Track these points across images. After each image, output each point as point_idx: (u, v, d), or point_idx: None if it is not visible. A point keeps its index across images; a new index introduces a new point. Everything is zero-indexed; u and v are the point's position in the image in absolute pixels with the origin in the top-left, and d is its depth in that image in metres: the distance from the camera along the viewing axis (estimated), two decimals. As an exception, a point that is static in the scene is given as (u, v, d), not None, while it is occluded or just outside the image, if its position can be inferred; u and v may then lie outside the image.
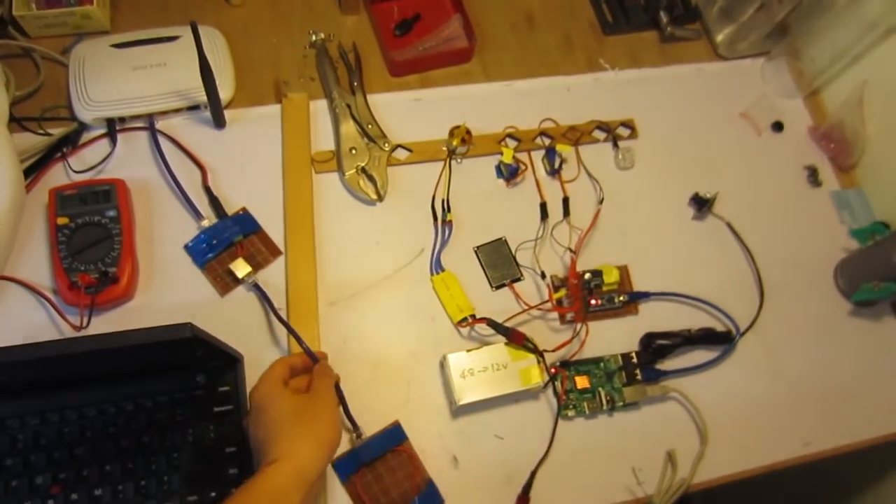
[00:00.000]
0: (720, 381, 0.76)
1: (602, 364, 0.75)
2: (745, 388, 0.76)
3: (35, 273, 0.69)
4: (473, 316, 0.74)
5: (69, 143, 0.74)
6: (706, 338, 0.77)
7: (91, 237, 0.68)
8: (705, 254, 0.82)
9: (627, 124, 0.86)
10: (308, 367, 0.66)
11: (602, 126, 0.85)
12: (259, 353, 0.70)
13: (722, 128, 0.89)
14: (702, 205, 0.82)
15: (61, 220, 0.68)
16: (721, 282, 0.80)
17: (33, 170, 0.72)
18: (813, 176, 0.87)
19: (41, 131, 0.73)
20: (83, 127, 0.75)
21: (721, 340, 0.77)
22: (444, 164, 0.80)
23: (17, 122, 0.72)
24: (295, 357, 0.65)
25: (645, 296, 0.78)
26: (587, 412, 0.73)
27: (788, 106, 0.91)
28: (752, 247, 0.82)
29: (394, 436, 0.69)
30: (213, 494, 0.63)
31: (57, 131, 0.74)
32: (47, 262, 0.70)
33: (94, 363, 0.60)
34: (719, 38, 0.92)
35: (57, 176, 0.73)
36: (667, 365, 0.76)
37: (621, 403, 0.73)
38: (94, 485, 0.62)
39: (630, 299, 0.78)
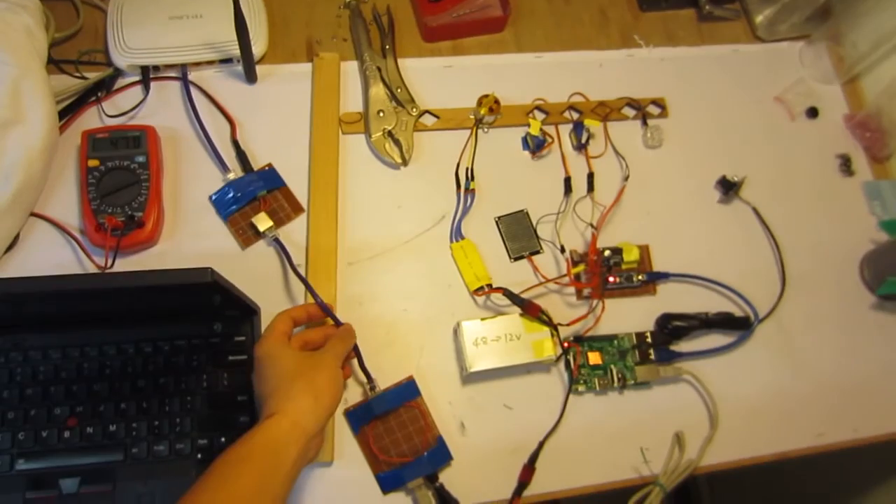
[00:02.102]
0: (735, 367, 0.76)
1: (616, 342, 0.75)
2: (760, 375, 0.76)
3: (64, 212, 0.71)
4: (490, 285, 0.74)
5: (103, 87, 0.75)
6: (723, 322, 0.76)
7: (120, 181, 0.69)
8: (728, 238, 0.81)
9: (658, 103, 0.85)
10: (314, 318, 0.67)
11: (632, 103, 0.84)
12: (276, 307, 0.70)
13: (755, 111, 0.87)
14: (728, 188, 0.81)
15: (92, 163, 0.69)
16: (743, 267, 0.79)
17: (67, 112, 0.73)
18: (845, 165, 0.85)
19: (77, 74, 0.75)
20: (118, 73, 0.76)
21: (738, 326, 0.76)
22: (471, 133, 0.80)
23: (54, 64, 0.74)
24: (296, 309, 0.65)
25: (664, 276, 0.78)
26: (598, 388, 0.73)
27: (825, 92, 0.89)
28: (777, 233, 0.81)
29: (407, 390, 0.70)
30: (224, 440, 0.65)
31: (92, 75, 0.75)
32: (76, 202, 0.71)
33: (116, 302, 0.62)
34: (759, 18, 0.90)
35: (90, 119, 0.75)
36: (681, 347, 0.75)
37: (633, 382, 0.73)
38: (110, 421, 0.64)
39: (649, 279, 0.77)
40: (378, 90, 0.80)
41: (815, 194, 0.84)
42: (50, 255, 0.69)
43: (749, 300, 0.77)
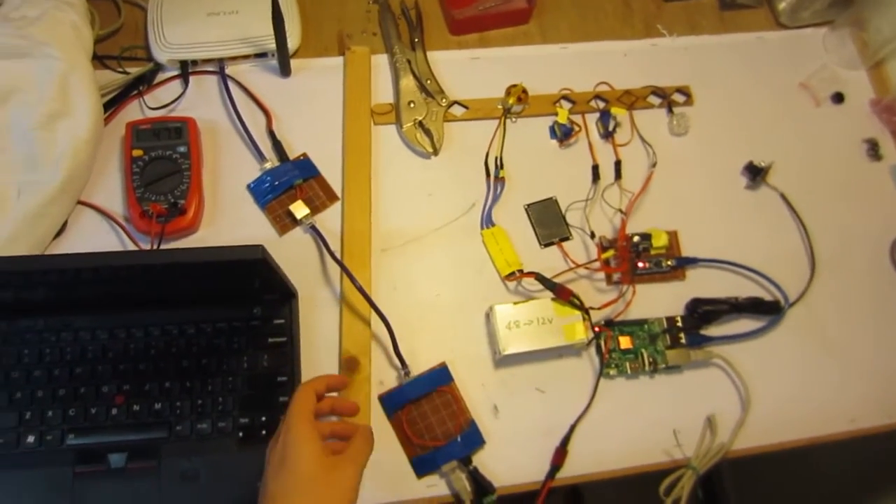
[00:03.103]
0: (766, 351, 0.76)
1: (646, 326, 0.75)
2: (791, 359, 0.76)
3: (109, 201, 0.74)
4: (521, 271, 0.75)
5: (145, 81, 0.78)
6: (753, 306, 0.76)
7: (163, 170, 0.72)
8: (756, 223, 0.81)
9: (683, 91, 0.86)
10: (333, 388, 0.62)
11: (657, 91, 0.85)
12: (312, 292, 0.73)
13: (780, 97, 0.88)
14: (755, 174, 0.82)
15: (136, 153, 0.72)
16: (771, 253, 0.79)
17: (111, 105, 0.76)
18: (873, 149, 0.85)
19: (120, 69, 0.78)
20: (158, 67, 0.79)
21: (769, 310, 0.77)
22: (499, 122, 0.82)
23: (98, 60, 0.76)
24: (317, 381, 0.60)
25: (693, 261, 0.78)
26: (629, 372, 0.73)
27: (850, 77, 0.89)
28: (805, 219, 0.81)
29: (440, 375, 0.71)
30: (264, 419, 0.67)
31: (134, 70, 0.78)
32: (120, 191, 0.74)
33: (163, 283, 0.64)
34: (781, 5, 0.91)
35: (132, 112, 0.78)
36: (712, 331, 0.76)
37: (664, 366, 0.73)
38: (155, 399, 0.66)
39: (678, 264, 0.78)
40: (408, 82, 0.81)
41: (842, 179, 0.84)
42: (96, 242, 0.72)
43: (779, 284, 0.77)
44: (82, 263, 0.54)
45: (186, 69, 0.79)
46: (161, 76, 0.79)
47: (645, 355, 0.74)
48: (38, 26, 0.69)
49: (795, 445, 0.74)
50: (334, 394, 0.64)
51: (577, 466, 0.70)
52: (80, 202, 0.73)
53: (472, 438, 0.69)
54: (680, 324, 0.75)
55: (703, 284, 0.78)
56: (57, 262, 0.55)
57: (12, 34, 0.67)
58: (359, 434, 0.58)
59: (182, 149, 0.73)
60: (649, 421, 0.72)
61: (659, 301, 0.77)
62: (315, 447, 0.53)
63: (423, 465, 0.68)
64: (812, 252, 0.80)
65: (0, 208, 0.65)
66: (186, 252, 0.55)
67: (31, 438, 0.64)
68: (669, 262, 0.78)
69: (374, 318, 0.71)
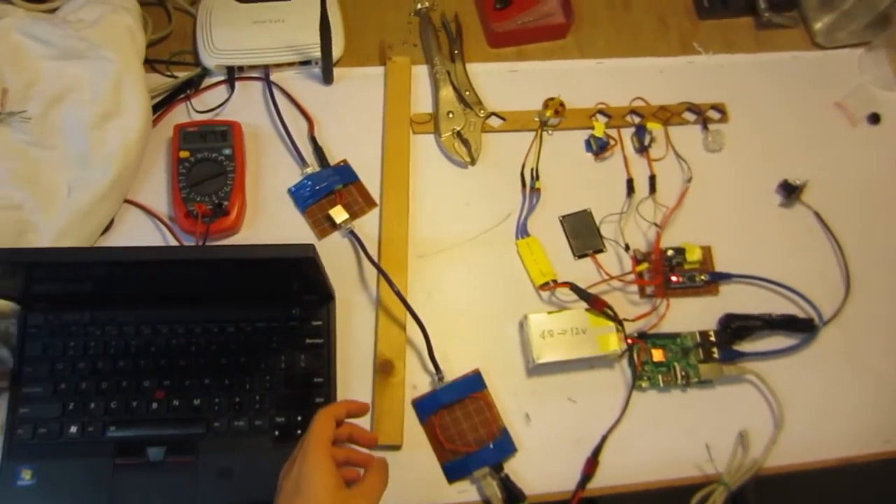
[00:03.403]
0: (799, 369, 0.75)
1: (679, 339, 0.75)
2: (825, 378, 0.76)
3: (154, 200, 0.75)
4: (555, 281, 0.76)
5: (192, 86, 0.80)
6: (787, 324, 0.76)
7: (208, 171, 0.73)
8: (790, 241, 0.81)
9: (718, 108, 0.87)
10: (353, 414, 0.61)
11: (692, 108, 0.86)
12: (349, 295, 0.74)
13: (815, 117, 0.88)
14: (790, 192, 0.82)
15: (183, 154, 0.74)
16: (805, 271, 0.79)
17: (158, 107, 0.78)
18: (910, 170, 0.86)
19: (168, 73, 0.80)
20: (206, 72, 0.81)
21: (802, 328, 0.76)
22: (536, 134, 0.83)
23: (148, 64, 0.78)
24: (337, 407, 0.60)
25: (726, 277, 0.78)
26: (661, 385, 0.74)
27: (887, 98, 0.90)
28: (840, 238, 0.81)
29: (473, 382, 0.71)
30: (299, 418, 0.68)
31: (182, 74, 0.80)
32: (165, 191, 0.76)
33: (207, 280, 0.65)
34: (817, 26, 0.91)
35: (179, 115, 0.80)
36: (744, 347, 0.75)
37: (696, 380, 0.73)
38: (194, 395, 0.67)
39: (711, 279, 0.78)
40: (447, 92, 0.83)
41: (879, 199, 0.84)
42: (141, 239, 0.73)
43: (813, 302, 0.77)
44: (143, 257, 0.55)
45: (233, 75, 0.81)
46: (208, 81, 0.82)
47: (677, 369, 0.74)
48: (96, 29, 0.71)
49: (828, 465, 0.73)
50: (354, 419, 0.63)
51: (608, 477, 0.70)
52: (126, 201, 0.74)
53: (504, 445, 0.69)
54: (713, 338, 0.75)
55: (736, 300, 0.78)
56: (113, 255, 0.56)
57: (70, 36, 0.70)
58: (373, 469, 0.58)
59: (227, 151, 0.74)
60: (681, 434, 0.72)
61: (692, 315, 0.77)
62: (330, 479, 0.52)
63: (454, 470, 0.69)
64: (847, 271, 0.80)
65: (52, 204, 0.67)
66: (238, 249, 0.57)
67: (73, 429, 0.65)
68: (703, 277, 0.78)
69: (409, 323, 0.72)
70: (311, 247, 0.54)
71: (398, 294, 0.70)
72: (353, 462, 0.59)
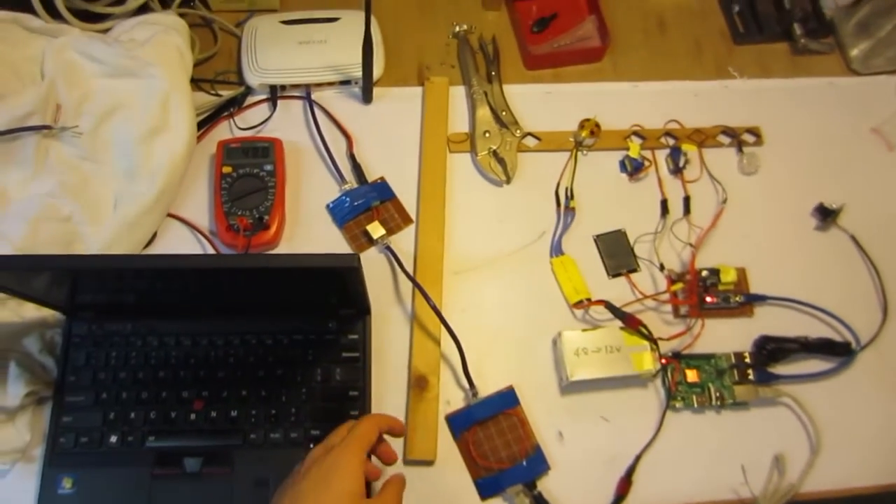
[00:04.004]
0: (836, 393, 0.75)
1: (714, 360, 0.75)
2: (863, 403, 0.74)
3: (196, 214, 0.77)
4: (589, 299, 0.76)
5: (236, 104, 0.82)
6: (824, 347, 0.75)
7: (249, 186, 0.75)
8: (826, 265, 0.81)
9: (753, 131, 0.87)
10: (395, 431, 0.62)
11: (727, 131, 0.86)
12: (385, 310, 0.75)
13: (851, 141, 0.88)
14: (826, 215, 0.82)
15: (226, 169, 0.75)
16: (841, 295, 0.79)
17: (202, 125, 0.80)
18: (948, 195, 0.85)
19: (213, 92, 0.82)
20: (249, 91, 0.83)
21: (839, 352, 0.76)
22: (571, 154, 0.84)
23: (193, 82, 0.81)
24: (386, 419, 0.61)
25: (762, 298, 0.78)
26: (695, 406, 0.73)
27: (925, 124, 0.90)
28: (877, 262, 0.80)
29: (507, 399, 0.71)
30: (335, 431, 0.68)
31: (226, 93, 0.82)
32: (207, 205, 0.77)
33: (247, 291, 0.66)
34: (853, 52, 0.92)
35: (222, 132, 0.82)
36: (780, 369, 0.75)
37: (731, 401, 0.73)
38: (232, 406, 0.68)
39: (746, 300, 0.78)
40: (484, 112, 0.84)
41: (917, 224, 0.84)
42: (183, 251, 0.75)
43: (850, 326, 0.76)
44: (190, 264, 0.57)
45: (275, 93, 0.83)
46: (251, 99, 0.84)
47: (712, 389, 0.73)
48: (146, 49, 0.74)
49: (866, 492, 0.72)
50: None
51: (642, 498, 0.69)
52: (169, 214, 0.76)
53: (538, 463, 0.69)
54: (748, 360, 0.75)
55: (772, 322, 0.77)
56: (162, 263, 0.58)
57: (122, 55, 0.72)
58: (392, 484, 0.59)
59: (268, 167, 0.76)
60: (715, 456, 0.71)
61: (726, 336, 0.76)
62: (357, 484, 0.54)
63: (487, 486, 0.68)
64: (884, 295, 0.79)
65: (100, 216, 0.69)
66: (283, 257, 0.58)
67: (113, 438, 0.66)
68: (738, 298, 0.78)
69: (444, 339, 0.73)
70: (355, 257, 0.55)
71: (434, 308, 0.71)
72: (379, 454, 0.61)
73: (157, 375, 0.68)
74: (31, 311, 0.68)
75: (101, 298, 0.67)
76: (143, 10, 0.80)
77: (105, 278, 0.62)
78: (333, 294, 0.68)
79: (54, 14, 0.75)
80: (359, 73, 0.80)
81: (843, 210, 0.82)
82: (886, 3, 0.87)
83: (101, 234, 0.68)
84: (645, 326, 0.73)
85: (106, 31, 0.78)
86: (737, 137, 0.86)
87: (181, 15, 0.82)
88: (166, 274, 0.57)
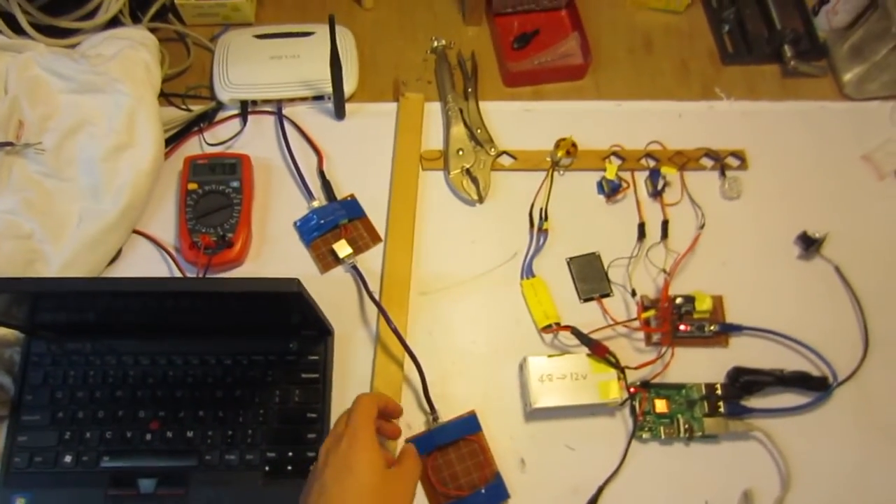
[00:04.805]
0: (811, 429, 0.72)
1: (684, 391, 0.73)
2: (839, 440, 0.72)
3: (162, 231, 0.77)
4: (559, 323, 0.75)
5: (206, 119, 0.82)
6: (799, 381, 0.73)
7: (215, 203, 0.75)
8: (807, 295, 0.79)
9: (738, 154, 0.85)
10: (390, 412, 0.65)
11: (711, 154, 0.84)
12: (349, 330, 0.74)
13: (840, 168, 0.85)
14: (809, 244, 0.79)
15: (192, 186, 0.75)
16: (821, 327, 0.76)
17: (172, 140, 0.80)
18: (937, 227, 0.82)
19: (184, 107, 0.82)
20: (220, 106, 0.83)
21: (816, 387, 0.74)
22: (547, 174, 0.82)
23: (164, 97, 0.80)
24: (382, 397, 0.64)
25: (737, 329, 0.76)
26: (663, 437, 0.71)
27: (918, 152, 0.86)
28: (860, 295, 0.78)
29: (468, 424, 0.71)
30: (290, 454, 0.68)
31: (197, 108, 0.82)
32: (174, 222, 0.77)
33: (204, 313, 0.66)
34: (847, 76, 0.88)
35: (192, 147, 0.81)
36: (753, 403, 0.73)
37: (700, 434, 0.71)
38: (188, 427, 0.68)
39: (721, 330, 0.76)
40: (459, 130, 0.83)
41: (903, 256, 0.81)
42: (147, 270, 0.75)
43: (828, 360, 0.74)
44: (116, 287, 0.56)
45: (246, 109, 0.82)
46: (222, 114, 0.83)
47: (681, 421, 0.72)
48: (113, 64, 0.73)
49: (838, 532, 0.70)
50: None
51: (604, 531, 0.68)
52: (135, 231, 0.76)
53: (497, 492, 0.68)
54: (720, 392, 0.73)
55: (747, 353, 0.75)
56: (91, 285, 0.58)
57: (88, 71, 0.72)
58: (408, 454, 0.62)
59: (235, 184, 0.75)
60: (681, 490, 0.70)
61: (699, 366, 0.75)
62: (377, 459, 0.56)
63: (445, 514, 0.68)
64: (866, 329, 0.76)
65: (62, 234, 0.69)
66: (223, 282, 0.57)
67: (68, 458, 0.66)
68: (713, 328, 0.76)
69: (407, 361, 0.72)
70: (295, 281, 0.54)
71: (395, 331, 0.70)
72: (382, 432, 0.63)
73: (115, 395, 0.68)
74: (-11, 331, 0.68)
75: (61, 317, 0.67)
76: (112, 24, 0.80)
77: (61, 299, 0.62)
78: (290, 315, 0.67)
79: (18, 31, 0.75)
80: (331, 89, 0.79)
81: (828, 239, 0.79)
82: (882, 25, 0.83)
83: (63, 253, 0.68)
84: (612, 354, 0.71)
85: (73, 46, 0.78)
86: (720, 160, 0.84)
87: (154, 30, 0.82)
88: (115, 295, 0.57)
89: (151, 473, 0.66)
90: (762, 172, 0.84)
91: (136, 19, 0.82)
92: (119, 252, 0.74)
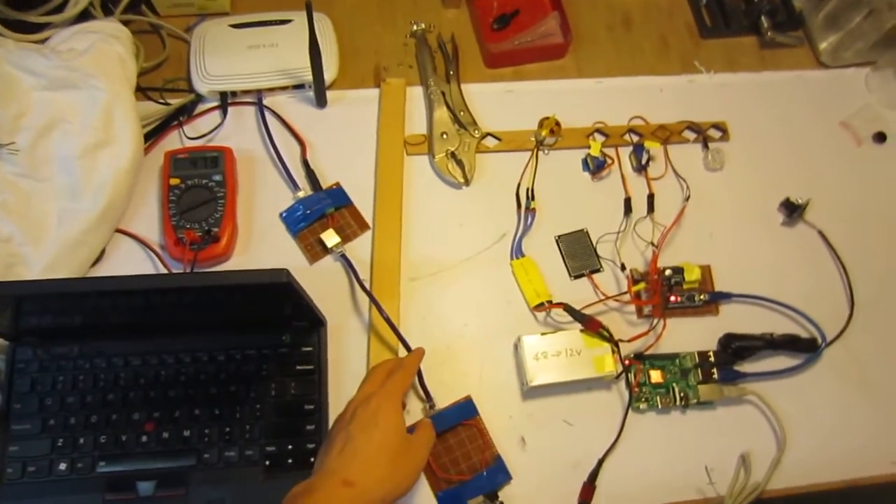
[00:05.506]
0: (802, 390, 0.74)
1: (678, 360, 0.74)
2: (829, 399, 0.74)
3: (146, 229, 0.75)
4: (550, 301, 0.75)
5: (185, 112, 0.80)
6: (789, 343, 0.75)
7: (198, 198, 0.73)
8: (793, 261, 0.80)
9: (719, 126, 0.85)
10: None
11: (693, 127, 0.85)
12: (341, 320, 0.73)
13: (819, 136, 0.87)
14: (792, 210, 0.80)
15: (174, 181, 0.73)
16: (808, 290, 0.78)
17: (151, 135, 0.78)
18: (916, 188, 0.84)
19: (162, 101, 0.80)
20: (199, 98, 0.81)
21: (805, 348, 0.75)
22: (532, 154, 0.82)
23: (141, 91, 0.78)
24: (412, 369, 0.66)
25: (727, 297, 0.77)
26: (659, 406, 0.72)
27: (893, 117, 0.88)
28: (844, 257, 0.79)
29: (465, 409, 0.71)
30: (290, 447, 0.67)
31: (175, 101, 0.80)
32: (157, 219, 0.75)
33: (195, 308, 0.65)
34: (822, 45, 0.90)
35: (172, 142, 0.79)
36: (745, 368, 0.74)
37: (695, 401, 0.72)
38: (184, 426, 0.67)
39: (711, 299, 0.77)
40: (442, 113, 0.82)
41: (884, 219, 0.83)
42: (132, 269, 0.73)
43: (816, 322, 0.76)
44: (103, 287, 0.55)
45: (226, 100, 0.81)
46: (201, 107, 0.81)
47: (676, 390, 0.73)
48: (85, 59, 0.71)
49: (833, 487, 0.72)
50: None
51: (606, 502, 0.69)
52: (118, 230, 0.74)
53: (498, 473, 0.69)
54: (712, 359, 0.74)
55: (737, 320, 0.77)
56: (76, 286, 0.56)
57: (60, 66, 0.70)
58: (425, 424, 0.64)
59: (217, 177, 0.74)
60: (680, 457, 0.71)
61: (691, 336, 0.76)
62: (401, 422, 0.60)
63: (448, 500, 0.68)
64: (851, 291, 0.78)
65: (41, 235, 0.67)
66: (212, 275, 0.56)
67: (62, 465, 0.64)
68: (702, 297, 0.77)
69: (402, 349, 0.71)
70: (284, 272, 0.53)
71: (388, 321, 0.70)
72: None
73: (107, 398, 0.66)
74: (-28, 338, 0.66)
75: (45, 322, 0.66)
76: (83, 17, 0.78)
77: (46, 302, 0.60)
78: (280, 307, 0.66)
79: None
80: (311, 77, 0.78)
81: (810, 205, 0.81)
82: (855, -6, 0.85)
83: (44, 255, 0.66)
84: (605, 328, 0.72)
85: (43, 41, 0.76)
86: (702, 133, 0.85)
87: (126, 22, 0.79)
88: (101, 295, 0.56)
89: (149, 476, 0.64)
90: (744, 143, 0.85)
91: (107, 11, 0.80)
92: (103, 252, 0.72)
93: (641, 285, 0.76)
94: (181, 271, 0.71)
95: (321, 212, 0.76)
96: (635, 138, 0.84)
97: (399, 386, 0.62)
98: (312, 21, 0.70)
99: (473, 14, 0.90)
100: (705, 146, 0.84)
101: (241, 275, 0.54)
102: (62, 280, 0.64)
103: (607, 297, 0.76)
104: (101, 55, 0.72)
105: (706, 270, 0.78)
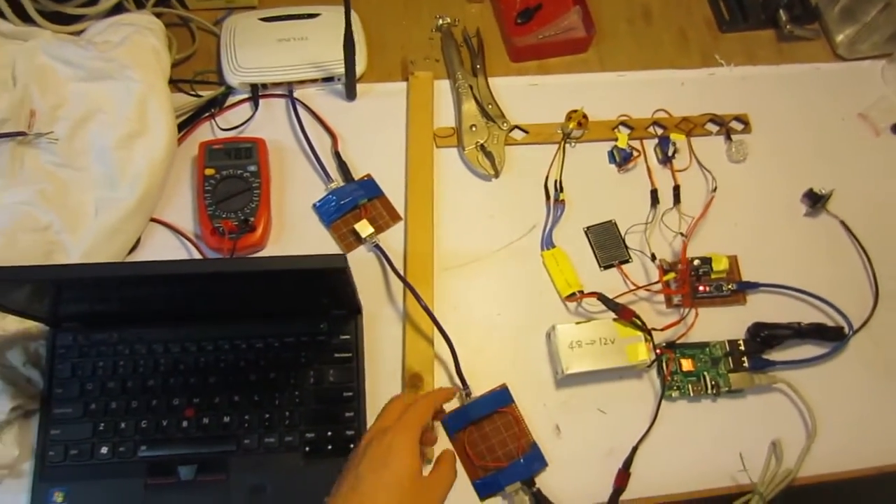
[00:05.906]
0: (830, 378, 0.75)
1: (708, 349, 0.75)
2: (857, 386, 0.75)
3: (180, 218, 0.75)
4: (581, 291, 0.76)
5: (217, 104, 0.80)
6: (817, 332, 0.76)
7: (233, 188, 0.73)
8: (817, 250, 0.81)
9: (741, 119, 0.87)
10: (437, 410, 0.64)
11: (715, 119, 0.86)
12: (376, 309, 0.74)
13: (838, 127, 0.88)
14: (815, 201, 0.82)
15: (209, 171, 0.74)
16: (832, 280, 0.79)
17: (183, 126, 0.78)
18: (935, 178, 0.85)
19: (193, 92, 0.80)
20: (230, 90, 0.82)
21: (832, 337, 0.76)
22: (559, 147, 0.83)
23: (172, 83, 0.79)
24: (440, 397, 0.63)
25: (754, 286, 0.78)
26: (691, 395, 0.73)
27: (911, 108, 0.90)
28: (867, 247, 0.81)
29: (501, 397, 0.71)
30: (329, 433, 0.67)
31: (206, 93, 0.80)
32: (191, 209, 0.76)
33: (236, 296, 0.65)
34: (839, 38, 0.92)
35: (204, 133, 0.80)
36: (774, 356, 0.75)
37: (726, 389, 0.73)
38: (224, 412, 0.67)
39: (738, 288, 0.78)
40: (470, 106, 0.83)
41: (905, 208, 0.84)
42: (167, 256, 0.73)
43: (842, 311, 0.77)
44: (154, 271, 0.54)
45: (256, 92, 0.81)
46: (232, 99, 0.82)
47: (707, 378, 0.73)
48: (121, 50, 0.71)
49: (863, 474, 0.72)
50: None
51: (641, 489, 0.69)
52: (152, 219, 0.74)
53: (535, 460, 0.69)
54: (742, 347, 0.75)
55: (765, 309, 0.78)
56: (143, 269, 0.56)
57: (96, 57, 0.70)
58: (445, 461, 0.60)
59: (252, 168, 0.74)
60: (712, 444, 0.72)
61: (720, 325, 0.76)
62: (415, 464, 0.55)
63: (485, 487, 0.68)
64: (875, 279, 0.79)
65: (79, 224, 0.67)
66: (271, 260, 0.56)
67: (104, 449, 0.64)
68: (730, 287, 0.78)
69: (437, 337, 0.72)
70: (342, 257, 0.54)
71: (425, 308, 0.70)
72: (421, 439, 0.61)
73: (147, 384, 0.67)
74: (13, 324, 0.66)
75: (85, 308, 0.66)
76: (117, 10, 0.78)
77: (88, 287, 0.60)
78: (324, 295, 0.67)
79: (24, 17, 0.72)
80: (341, 70, 0.79)
81: (833, 195, 0.82)
82: (871, -13, 0.87)
83: (82, 243, 0.66)
84: (638, 317, 0.72)
85: (79, 32, 0.76)
86: (725, 125, 0.86)
87: (157, 14, 0.80)
88: (150, 280, 0.55)
89: (190, 460, 0.64)
90: (765, 135, 0.87)
91: (139, 5, 0.80)
92: (138, 241, 0.73)
93: (671, 275, 0.77)
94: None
95: (354, 202, 0.77)
96: (660, 131, 0.85)
97: (417, 419, 0.57)
98: (350, 15, 0.71)
99: (497, 8, 0.91)
100: (728, 138, 0.86)
101: (299, 260, 0.55)
102: (108, 264, 0.65)
103: (638, 287, 0.76)
104: (135, 47, 0.73)
105: (733, 260, 0.79)
